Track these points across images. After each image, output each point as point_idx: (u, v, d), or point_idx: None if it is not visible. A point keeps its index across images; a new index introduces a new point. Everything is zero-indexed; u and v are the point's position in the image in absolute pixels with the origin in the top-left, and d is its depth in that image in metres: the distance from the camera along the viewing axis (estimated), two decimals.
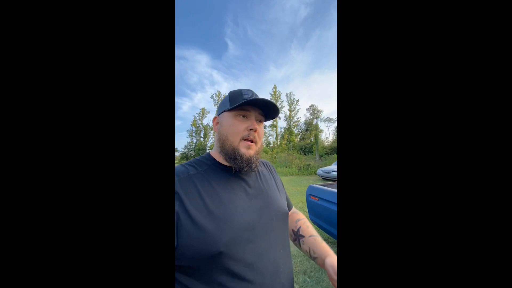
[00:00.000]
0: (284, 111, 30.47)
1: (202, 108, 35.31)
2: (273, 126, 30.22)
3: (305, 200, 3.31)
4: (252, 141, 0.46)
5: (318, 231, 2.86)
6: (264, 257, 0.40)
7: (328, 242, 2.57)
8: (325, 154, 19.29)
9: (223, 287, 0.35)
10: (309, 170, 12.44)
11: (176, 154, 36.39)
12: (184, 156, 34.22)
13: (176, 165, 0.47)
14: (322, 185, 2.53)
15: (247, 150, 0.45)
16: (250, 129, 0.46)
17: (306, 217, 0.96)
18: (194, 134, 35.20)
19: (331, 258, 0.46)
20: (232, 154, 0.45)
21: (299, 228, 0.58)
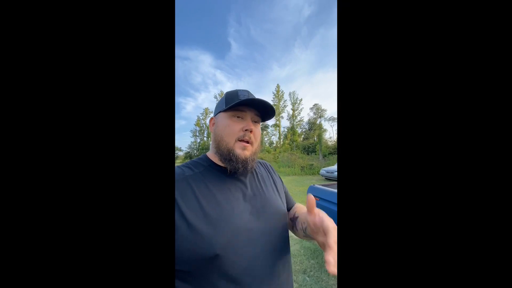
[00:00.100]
0: (287, 111, 30.34)
1: (205, 108, 35.62)
2: (276, 125, 30.13)
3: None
4: (248, 142, 0.45)
5: None
6: (261, 260, 0.39)
7: None
8: (329, 154, 19.07)
9: None
10: (312, 170, 12.37)
11: (180, 153, 36.89)
12: (188, 155, 34.60)
13: (179, 164, 0.47)
14: (323, 185, 2.53)
15: (243, 151, 0.44)
16: (246, 130, 0.45)
17: None
18: (197, 134, 35.54)
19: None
20: (227, 155, 0.44)
21: (295, 212, 0.54)
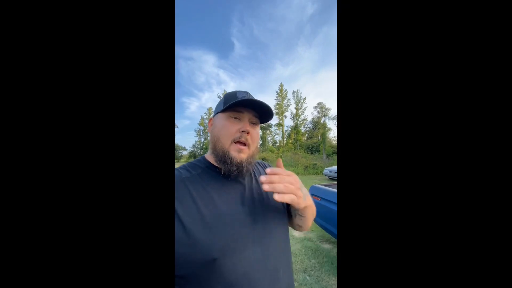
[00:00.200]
0: (290, 110, 30.16)
1: (209, 108, 35.96)
2: (280, 125, 30.01)
3: None
4: (244, 144, 0.44)
5: (320, 231, 2.86)
6: (261, 264, 0.38)
7: (330, 242, 2.58)
8: (333, 153, 18.84)
9: None
10: (315, 170, 12.28)
11: (185, 152, 37.39)
12: (192, 154, 35.05)
13: (184, 163, 0.48)
14: (324, 185, 2.53)
15: (238, 154, 0.43)
16: (242, 131, 0.43)
17: None
18: (201, 133, 35.90)
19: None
20: (222, 157, 0.43)
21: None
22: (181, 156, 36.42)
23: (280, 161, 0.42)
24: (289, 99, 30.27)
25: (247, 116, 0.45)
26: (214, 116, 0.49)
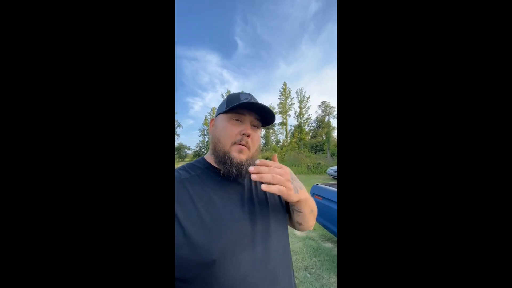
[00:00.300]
0: (294, 108, 29.96)
1: (213, 108, 36.23)
2: (283, 124, 29.89)
3: None
4: (245, 146, 0.44)
5: (322, 230, 2.87)
6: (261, 266, 0.38)
7: (332, 241, 2.59)
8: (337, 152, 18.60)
9: None
10: (319, 169, 12.20)
11: (189, 152, 37.88)
12: (197, 153, 35.50)
13: (189, 162, 0.49)
14: (326, 184, 2.54)
15: (239, 155, 0.43)
16: (243, 134, 0.43)
17: None
18: (205, 133, 36.27)
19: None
20: (222, 158, 0.43)
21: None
22: (186, 156, 36.93)
23: (275, 156, 0.43)
24: (292, 98, 30.10)
25: (249, 118, 0.45)
26: (216, 116, 0.49)
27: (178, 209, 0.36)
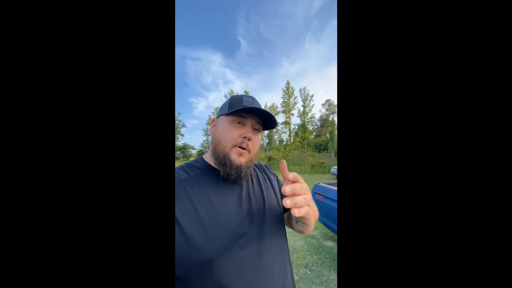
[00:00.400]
0: (297, 107, 29.76)
1: (216, 107, 36.45)
2: (286, 123, 29.75)
3: None
4: (245, 149, 0.44)
5: (323, 228, 2.90)
6: (256, 264, 0.39)
7: (332, 240, 2.61)
8: None
9: None
10: (322, 169, 12.13)
11: (193, 151, 38.39)
12: (201, 153, 35.94)
13: (187, 162, 0.50)
14: (327, 183, 2.56)
15: (238, 157, 0.44)
16: (244, 137, 0.44)
17: None
18: (209, 133, 36.51)
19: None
20: (222, 159, 0.44)
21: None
22: (190, 155, 37.44)
23: (284, 162, 0.37)
24: (296, 97, 29.88)
25: (250, 122, 0.45)
26: (217, 117, 0.50)
27: (176, 209, 0.36)
